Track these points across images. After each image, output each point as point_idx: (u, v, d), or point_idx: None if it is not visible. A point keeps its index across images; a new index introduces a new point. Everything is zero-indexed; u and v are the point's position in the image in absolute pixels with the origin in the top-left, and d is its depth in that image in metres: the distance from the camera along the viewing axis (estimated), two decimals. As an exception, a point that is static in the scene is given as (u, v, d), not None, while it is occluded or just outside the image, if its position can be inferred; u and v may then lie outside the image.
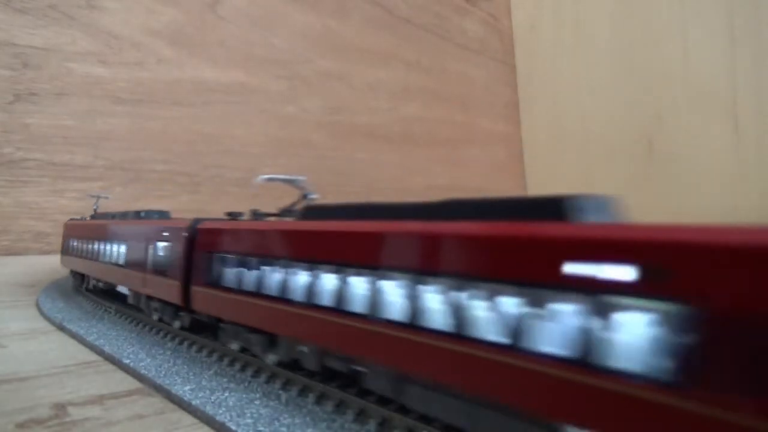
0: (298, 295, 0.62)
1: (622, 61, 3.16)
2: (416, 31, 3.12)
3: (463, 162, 3.30)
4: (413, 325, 0.48)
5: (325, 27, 2.69)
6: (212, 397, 0.65)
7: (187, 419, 0.62)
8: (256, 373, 0.73)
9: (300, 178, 0.85)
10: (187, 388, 0.69)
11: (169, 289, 0.89)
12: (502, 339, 0.40)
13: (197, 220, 0.89)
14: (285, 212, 0.83)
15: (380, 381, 0.55)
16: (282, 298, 0.64)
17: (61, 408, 0.66)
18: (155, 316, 1.02)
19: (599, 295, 0.34)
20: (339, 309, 0.56)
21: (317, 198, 0.84)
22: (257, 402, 0.64)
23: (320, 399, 0.62)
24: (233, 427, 0.57)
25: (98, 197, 1.60)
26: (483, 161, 3.44)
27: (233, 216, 0.90)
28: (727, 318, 0.28)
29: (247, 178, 2.34)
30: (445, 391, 0.48)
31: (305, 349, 0.66)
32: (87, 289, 1.44)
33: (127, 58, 2.03)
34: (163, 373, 0.76)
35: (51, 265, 1.71)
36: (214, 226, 0.84)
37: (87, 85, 1.93)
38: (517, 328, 0.39)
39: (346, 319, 0.55)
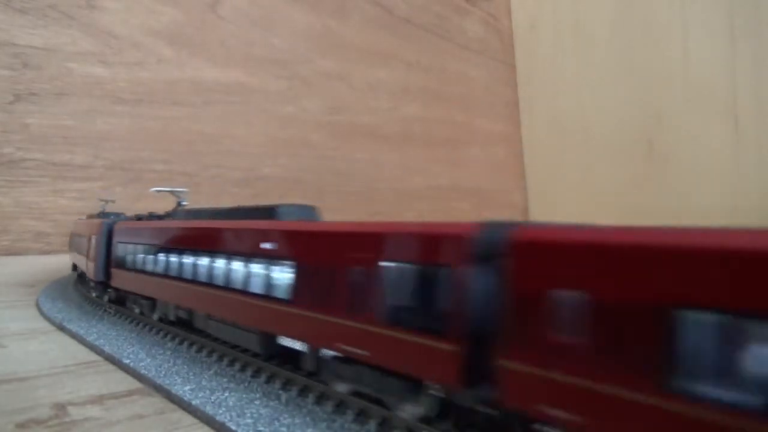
0: (160, 269, 0.93)
1: (622, 61, 3.16)
2: (416, 31, 3.12)
3: (463, 162, 3.30)
4: (210, 283, 0.78)
5: (325, 27, 2.69)
6: (212, 397, 0.65)
7: (187, 419, 0.62)
8: (256, 373, 0.73)
9: (180, 189, 1.19)
10: (187, 388, 0.69)
11: (98, 271, 1.19)
12: (241, 287, 0.71)
13: (116, 220, 1.20)
14: (167, 215, 1.12)
15: (200, 321, 0.87)
16: (154, 272, 0.95)
17: (61, 408, 0.66)
18: (93, 293, 1.31)
19: (270, 259, 0.66)
20: (181, 277, 0.86)
21: (187, 204, 1.16)
22: (257, 402, 0.64)
23: (320, 399, 0.62)
24: (233, 427, 0.57)
25: (106, 201, 1.62)
26: (483, 161, 3.44)
27: (139, 217, 1.20)
28: (305, 267, 0.61)
29: (248, 178, 2.34)
30: (224, 321, 0.79)
31: (169, 306, 0.96)
32: (78, 275, 1.60)
33: (127, 58, 2.03)
34: (163, 373, 0.76)
35: (51, 265, 1.71)
36: (122, 224, 1.17)
37: (87, 85, 1.93)
38: (246, 280, 0.70)
39: (184, 283, 0.86)
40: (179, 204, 1.15)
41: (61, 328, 1.09)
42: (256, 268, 0.68)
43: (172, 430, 0.59)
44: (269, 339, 0.71)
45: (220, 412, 0.61)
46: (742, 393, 0.28)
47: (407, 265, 0.48)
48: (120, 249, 1.11)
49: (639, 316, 0.32)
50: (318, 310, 0.57)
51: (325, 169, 2.59)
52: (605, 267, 0.35)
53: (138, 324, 1.08)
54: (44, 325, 1.14)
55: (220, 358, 0.81)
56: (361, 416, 0.57)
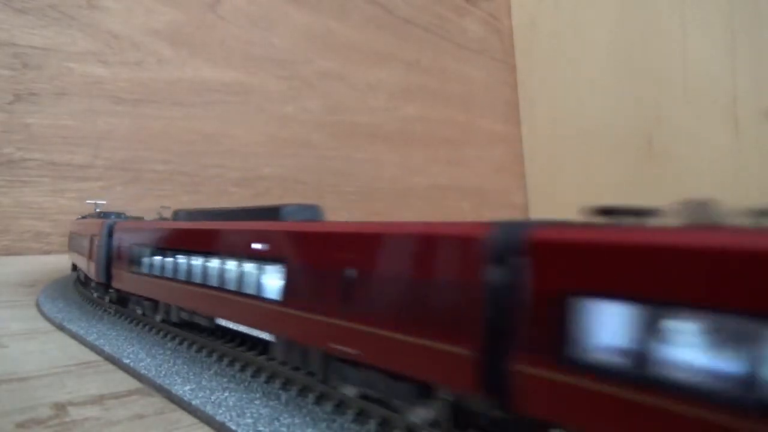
0: (75, 248, 1.51)
1: (622, 61, 3.16)
2: (416, 31, 3.12)
3: (463, 162, 3.30)
4: (80, 252, 1.40)
5: (325, 27, 2.69)
6: (212, 397, 0.65)
7: (187, 419, 0.62)
8: (256, 373, 0.73)
9: (100, 201, 1.62)
10: (187, 388, 0.69)
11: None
12: (86, 252, 1.32)
13: (77, 217, 1.75)
14: (88, 215, 1.66)
15: (79, 274, 1.52)
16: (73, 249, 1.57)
17: (61, 408, 0.66)
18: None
19: (88, 235, 1.34)
20: (78, 252, 1.44)
21: (99, 210, 1.56)
22: (257, 402, 0.64)
23: (320, 399, 0.63)
24: (233, 427, 0.57)
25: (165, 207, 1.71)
26: (483, 161, 3.44)
27: (84, 217, 1.66)
28: (95, 239, 1.22)
29: (248, 178, 2.34)
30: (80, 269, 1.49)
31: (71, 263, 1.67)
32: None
33: (127, 58, 2.04)
34: (163, 373, 0.76)
35: (51, 265, 1.71)
36: (73, 221, 1.71)
37: (87, 85, 1.93)
38: (89, 247, 1.28)
39: (76, 254, 1.48)
40: (95, 210, 1.61)
41: (61, 328, 1.09)
42: (92, 242, 1.23)
43: (172, 430, 0.59)
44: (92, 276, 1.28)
45: (220, 412, 0.61)
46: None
47: (96, 237, 1.15)
48: (72, 238, 1.68)
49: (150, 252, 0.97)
50: (89, 259, 1.22)
51: (325, 169, 2.59)
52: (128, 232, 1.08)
53: (138, 324, 1.08)
54: (44, 325, 1.14)
55: (220, 358, 0.81)
56: (362, 416, 0.57)
